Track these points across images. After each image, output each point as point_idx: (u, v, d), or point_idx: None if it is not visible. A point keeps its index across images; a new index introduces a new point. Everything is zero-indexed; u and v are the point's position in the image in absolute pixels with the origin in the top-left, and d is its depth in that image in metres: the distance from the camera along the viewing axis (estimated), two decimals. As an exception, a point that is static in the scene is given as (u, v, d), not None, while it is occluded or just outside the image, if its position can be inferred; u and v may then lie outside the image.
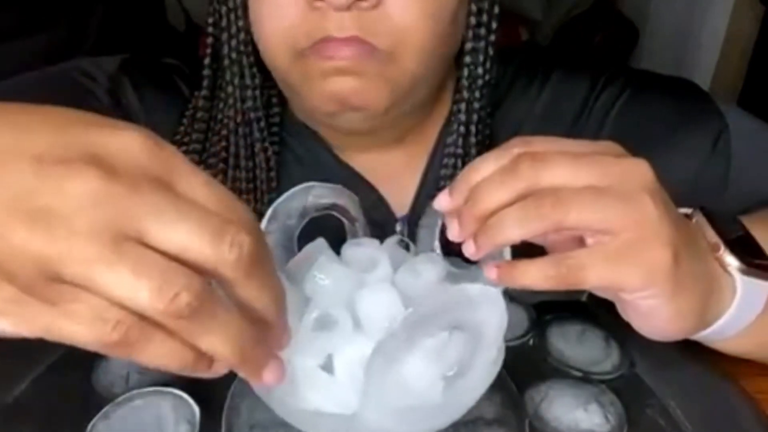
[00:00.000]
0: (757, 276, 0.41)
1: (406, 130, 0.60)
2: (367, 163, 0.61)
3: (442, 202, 0.39)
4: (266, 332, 0.31)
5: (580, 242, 0.38)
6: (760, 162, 0.59)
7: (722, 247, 0.41)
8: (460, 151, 0.58)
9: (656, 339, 0.41)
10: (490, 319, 0.35)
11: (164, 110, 0.60)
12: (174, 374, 0.29)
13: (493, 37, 0.56)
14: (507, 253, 0.39)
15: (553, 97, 0.62)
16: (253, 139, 0.58)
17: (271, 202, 0.42)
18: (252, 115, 0.57)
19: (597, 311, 0.52)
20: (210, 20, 0.57)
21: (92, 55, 0.63)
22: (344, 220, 0.46)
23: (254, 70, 0.56)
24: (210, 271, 0.27)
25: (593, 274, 0.35)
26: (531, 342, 0.51)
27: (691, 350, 0.47)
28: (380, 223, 0.60)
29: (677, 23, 1.75)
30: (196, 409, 0.42)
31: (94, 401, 0.43)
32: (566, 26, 1.99)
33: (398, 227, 0.62)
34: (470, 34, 0.55)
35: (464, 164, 0.57)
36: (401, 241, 0.45)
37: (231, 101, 0.57)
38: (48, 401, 0.44)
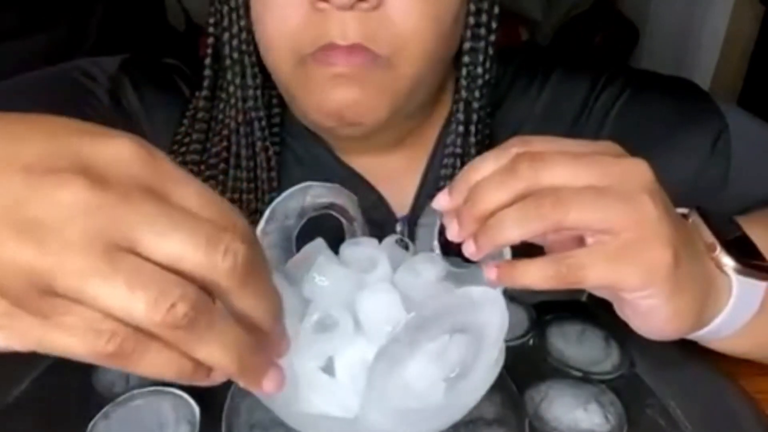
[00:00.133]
0: (753, 276, 0.41)
1: (406, 131, 0.60)
2: (367, 163, 0.61)
3: (441, 201, 0.39)
4: (264, 340, 0.31)
5: (580, 242, 0.38)
6: (759, 162, 0.59)
7: (718, 248, 0.41)
8: (459, 151, 0.58)
9: (654, 338, 0.41)
10: (492, 321, 0.35)
11: (165, 110, 0.60)
12: (174, 374, 0.29)
13: (492, 37, 0.56)
14: (507, 253, 0.39)
15: (553, 97, 0.62)
16: (254, 139, 0.58)
17: (272, 202, 0.42)
18: (253, 115, 0.57)
19: (597, 311, 0.52)
20: (211, 20, 0.57)
21: (92, 55, 0.63)
22: (343, 219, 0.46)
23: (255, 70, 0.56)
24: (204, 280, 0.26)
25: (593, 273, 0.35)
26: (531, 342, 0.51)
27: (691, 350, 0.47)
28: (380, 223, 0.60)
29: (677, 23, 1.75)
30: (196, 409, 0.42)
31: (94, 401, 0.43)
32: (566, 26, 1.99)
33: (398, 227, 0.62)
34: (469, 34, 0.55)
35: (464, 164, 0.57)
36: (400, 240, 0.45)
37: (232, 101, 0.57)
38: (48, 401, 0.44)
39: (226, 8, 0.55)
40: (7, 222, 0.25)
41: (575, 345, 0.51)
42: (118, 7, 1.13)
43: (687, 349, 0.47)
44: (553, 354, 0.50)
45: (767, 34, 1.48)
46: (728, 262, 0.41)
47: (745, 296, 0.41)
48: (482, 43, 0.55)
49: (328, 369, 0.37)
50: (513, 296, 0.53)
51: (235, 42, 0.55)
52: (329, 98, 0.49)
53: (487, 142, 0.60)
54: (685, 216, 0.43)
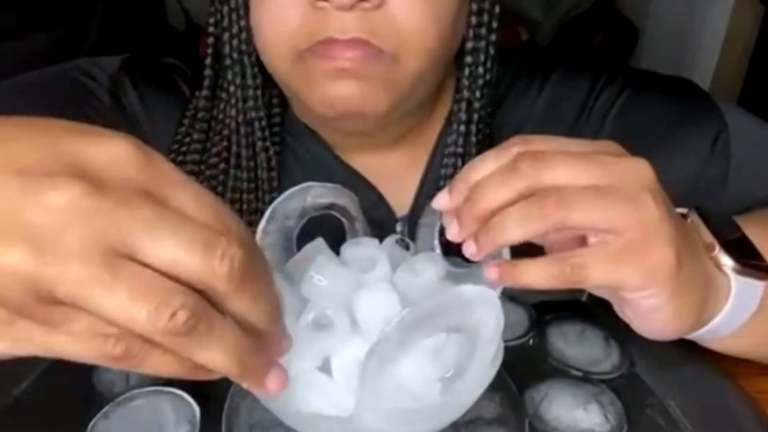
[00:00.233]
0: (752, 276, 0.41)
1: (406, 130, 0.60)
2: (367, 163, 0.61)
3: (441, 201, 0.39)
4: (264, 340, 0.31)
5: (580, 242, 0.38)
6: (759, 162, 0.59)
7: (717, 247, 0.41)
8: (460, 150, 0.58)
9: (653, 338, 0.41)
10: (486, 320, 0.35)
11: (165, 110, 0.60)
12: (174, 374, 0.29)
13: (494, 37, 0.56)
14: (506, 253, 0.39)
15: (553, 97, 0.62)
16: (255, 139, 0.58)
17: (272, 201, 0.42)
18: (253, 114, 0.57)
19: (597, 311, 0.52)
20: (211, 20, 0.57)
21: (92, 55, 0.63)
22: (343, 219, 0.46)
23: (255, 70, 0.56)
24: (202, 284, 0.26)
25: (596, 273, 0.35)
26: (531, 342, 0.51)
27: (690, 350, 0.47)
28: (380, 223, 0.60)
29: (677, 23, 1.75)
30: (196, 408, 0.42)
31: (94, 401, 0.43)
32: (566, 26, 1.99)
33: (398, 227, 0.62)
34: (471, 33, 0.55)
35: (464, 164, 0.57)
36: (401, 240, 0.44)
37: (232, 101, 0.57)
38: (48, 401, 0.44)
39: (226, 8, 0.55)
40: (5, 228, 0.24)
41: (575, 345, 0.51)
42: (118, 7, 1.13)
43: (687, 349, 0.47)
44: (553, 354, 0.50)
45: (767, 34, 1.48)
46: (727, 261, 0.41)
47: (744, 296, 0.41)
48: (483, 43, 0.55)
49: (325, 368, 0.37)
50: (513, 296, 0.54)
51: (235, 42, 0.55)
52: (331, 91, 0.49)
53: (488, 141, 0.60)
54: (684, 216, 0.43)
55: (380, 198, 0.61)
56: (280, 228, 0.43)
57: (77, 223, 0.24)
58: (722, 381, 0.48)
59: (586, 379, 0.47)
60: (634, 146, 0.38)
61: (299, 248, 0.43)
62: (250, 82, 0.56)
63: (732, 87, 1.56)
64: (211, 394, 0.42)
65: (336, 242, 0.43)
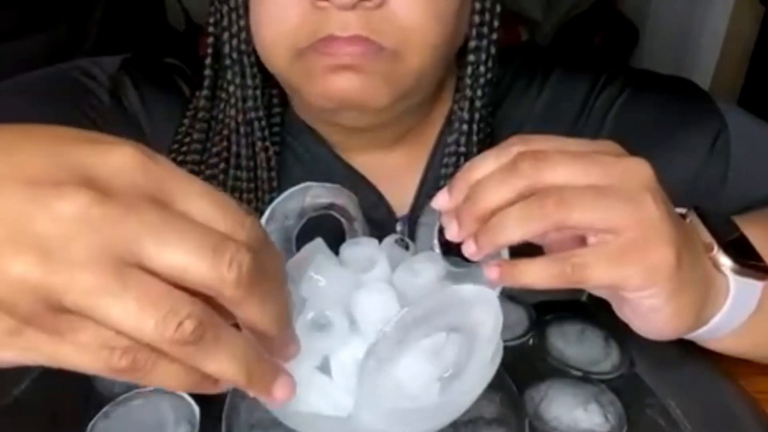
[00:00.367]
0: (750, 276, 0.41)
1: (406, 129, 0.60)
2: (367, 162, 0.61)
3: (441, 201, 0.39)
4: (273, 344, 0.31)
5: (580, 241, 0.38)
6: (759, 162, 0.59)
7: (716, 247, 0.41)
8: (461, 149, 0.58)
9: (652, 338, 0.41)
10: (485, 320, 0.35)
11: (165, 110, 0.60)
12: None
13: (495, 36, 0.56)
14: (504, 253, 0.39)
15: (553, 97, 0.62)
16: (254, 139, 0.58)
17: (271, 202, 0.42)
18: (253, 114, 0.57)
19: (597, 311, 0.52)
20: (211, 20, 0.57)
21: (92, 55, 0.63)
22: (343, 219, 0.46)
23: (255, 70, 0.56)
24: (210, 290, 0.26)
25: (596, 272, 0.35)
26: (531, 342, 0.51)
27: (690, 350, 0.47)
28: (380, 222, 0.60)
29: (677, 23, 1.75)
30: (196, 409, 0.42)
31: (94, 401, 0.43)
32: (566, 26, 1.99)
33: (398, 227, 0.62)
34: (474, 32, 0.55)
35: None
36: (401, 240, 0.44)
37: (232, 101, 0.57)
38: (48, 401, 0.44)
39: (225, 8, 0.55)
40: (13, 238, 0.24)
41: (575, 345, 0.51)
42: (118, 7, 1.13)
43: (687, 349, 0.47)
44: (552, 354, 0.50)
45: (767, 34, 1.48)
46: (726, 261, 0.41)
47: (743, 296, 0.41)
48: (485, 42, 0.55)
49: (324, 368, 0.37)
50: (513, 296, 0.54)
51: (234, 42, 0.55)
52: (332, 84, 0.49)
53: (489, 141, 0.60)
54: (683, 216, 0.43)
55: (380, 198, 0.61)
56: (279, 228, 0.42)
57: (86, 231, 0.25)
58: (722, 381, 0.48)
59: (586, 379, 0.47)
60: (633, 146, 0.38)
61: (298, 248, 0.43)
62: (249, 81, 0.56)
63: (732, 87, 1.56)
64: (211, 395, 0.42)
65: (335, 242, 0.43)
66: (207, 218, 0.27)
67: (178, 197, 0.27)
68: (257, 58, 0.55)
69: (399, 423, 0.35)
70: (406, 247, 0.44)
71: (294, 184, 0.42)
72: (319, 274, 0.39)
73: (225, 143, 0.58)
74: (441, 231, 0.40)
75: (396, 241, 0.44)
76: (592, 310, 0.53)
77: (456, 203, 0.38)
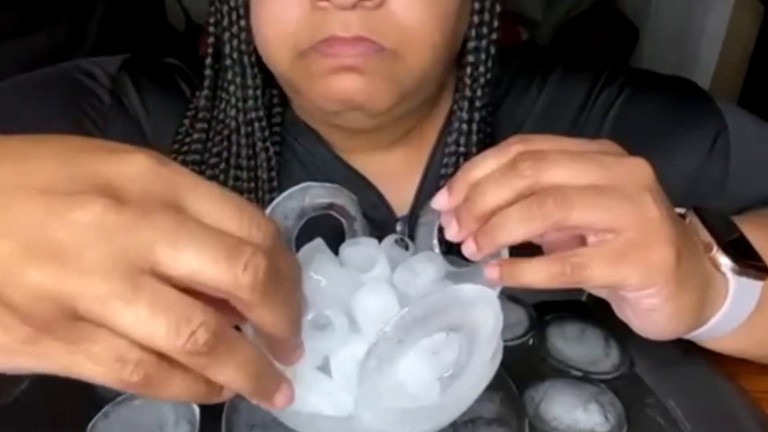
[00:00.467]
0: (750, 276, 0.41)
1: (406, 129, 0.60)
2: (367, 163, 0.61)
3: (441, 200, 0.39)
4: (280, 348, 0.31)
5: (579, 241, 0.38)
6: (759, 162, 0.59)
7: (715, 247, 0.41)
8: (461, 149, 0.58)
9: (652, 338, 0.41)
10: (485, 320, 0.35)
11: (166, 110, 0.60)
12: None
13: (495, 36, 0.56)
14: (504, 253, 0.39)
15: (553, 97, 0.62)
16: (255, 139, 0.58)
17: (272, 201, 0.42)
18: (253, 114, 0.57)
19: (597, 311, 0.52)
20: (211, 20, 0.57)
21: (92, 55, 0.63)
22: (342, 219, 0.46)
23: (255, 70, 0.56)
24: (224, 293, 0.26)
25: (596, 272, 0.35)
26: (531, 342, 0.51)
27: (690, 350, 0.47)
28: (380, 223, 0.60)
29: (677, 23, 1.75)
30: (196, 409, 0.42)
31: (94, 401, 0.43)
32: (566, 26, 1.99)
33: (398, 227, 0.62)
34: (473, 33, 0.55)
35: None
36: (400, 239, 0.44)
37: (233, 101, 0.57)
38: (48, 401, 0.44)
39: (226, 8, 0.55)
40: (29, 247, 0.25)
41: (575, 345, 0.51)
42: (118, 8, 1.13)
43: (687, 349, 0.47)
44: (552, 354, 0.50)
45: (767, 34, 1.48)
46: (725, 261, 0.41)
47: (742, 296, 0.41)
48: (485, 42, 0.55)
49: (324, 368, 0.37)
50: (513, 296, 0.54)
51: (235, 42, 0.55)
52: (333, 85, 0.49)
53: (489, 141, 0.60)
54: (682, 216, 0.43)
55: (380, 198, 0.61)
56: (279, 228, 0.42)
57: (101, 239, 0.25)
58: (722, 381, 0.48)
59: (586, 379, 0.47)
60: (633, 146, 0.38)
61: (298, 248, 0.43)
62: (250, 81, 0.56)
63: (732, 87, 1.56)
64: (210, 394, 0.42)
65: (335, 242, 0.43)
66: (222, 222, 0.27)
67: (192, 202, 0.27)
68: (258, 58, 0.55)
69: (399, 423, 0.35)
70: (406, 247, 0.44)
71: (294, 184, 0.42)
72: (319, 274, 0.39)
73: (225, 143, 0.58)
74: (441, 231, 0.40)
75: (396, 241, 0.44)
76: (592, 310, 0.53)
77: (456, 203, 0.38)
